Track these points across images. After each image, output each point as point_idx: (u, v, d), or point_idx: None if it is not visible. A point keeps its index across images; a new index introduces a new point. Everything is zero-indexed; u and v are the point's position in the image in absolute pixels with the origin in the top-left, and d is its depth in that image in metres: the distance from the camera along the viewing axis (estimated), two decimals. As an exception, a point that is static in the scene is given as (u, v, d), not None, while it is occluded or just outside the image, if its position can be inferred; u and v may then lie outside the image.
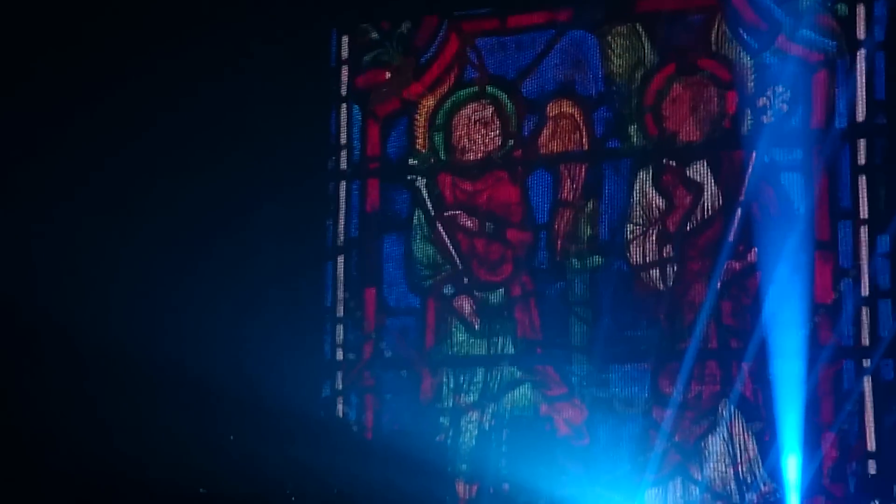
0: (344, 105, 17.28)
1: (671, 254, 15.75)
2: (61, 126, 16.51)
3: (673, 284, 15.69)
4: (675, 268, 15.72)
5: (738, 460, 15.16)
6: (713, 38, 15.85)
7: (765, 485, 14.97)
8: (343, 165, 17.23)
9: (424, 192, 16.82)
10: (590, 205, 16.17)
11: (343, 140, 17.24)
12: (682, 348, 15.38)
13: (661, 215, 15.84)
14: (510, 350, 16.31)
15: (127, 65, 16.63)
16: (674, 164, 15.88)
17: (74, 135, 16.45)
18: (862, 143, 15.18)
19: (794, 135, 15.36)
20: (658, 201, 15.91)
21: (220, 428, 15.69)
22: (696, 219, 15.72)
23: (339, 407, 16.55)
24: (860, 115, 15.21)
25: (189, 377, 15.57)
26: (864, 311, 14.90)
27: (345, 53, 17.39)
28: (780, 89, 15.41)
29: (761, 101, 15.52)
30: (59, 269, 16.04)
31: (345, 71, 17.34)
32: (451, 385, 16.46)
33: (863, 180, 15.14)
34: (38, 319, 15.54)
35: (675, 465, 15.39)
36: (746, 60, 15.68)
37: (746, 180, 15.40)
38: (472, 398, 16.37)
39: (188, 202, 16.29)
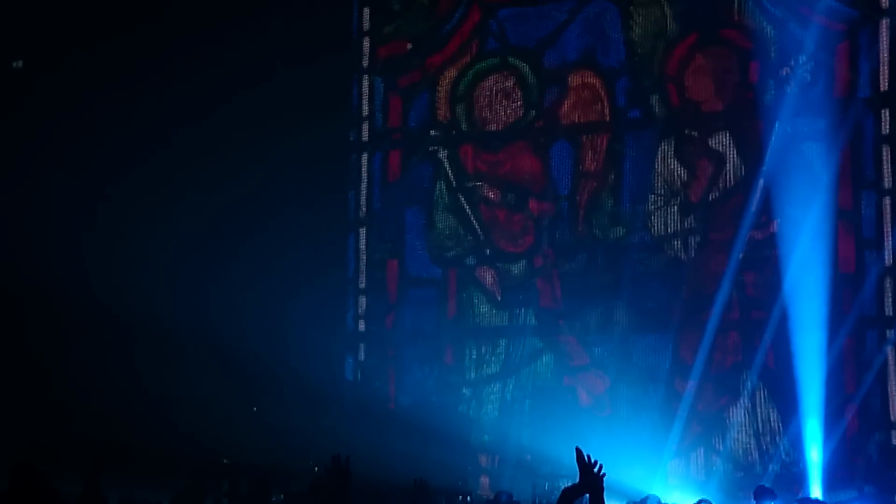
0: (366, 76, 17.27)
1: (693, 224, 15.72)
2: (109, 119, 16.72)
3: (695, 255, 15.66)
4: (698, 238, 15.68)
5: (761, 430, 15.15)
6: (736, 8, 15.77)
7: (787, 455, 14.96)
8: (365, 137, 17.23)
9: (446, 164, 16.81)
10: (612, 175, 16.15)
11: (365, 111, 17.24)
12: (704, 319, 15.35)
13: (684, 186, 15.80)
14: (532, 321, 16.32)
15: (158, 54, 16.75)
16: (696, 134, 15.83)
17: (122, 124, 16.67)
18: (885, 112, 15.11)
19: (817, 104, 15.28)
20: (680, 172, 15.86)
21: (244, 399, 15.79)
22: (719, 189, 15.67)
23: (361, 377, 16.63)
24: (883, 85, 15.14)
25: (211, 348, 15.67)
26: (888, 281, 14.86)
27: (366, 25, 17.38)
28: (802, 59, 15.33)
29: (784, 71, 15.46)
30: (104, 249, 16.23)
31: (366, 42, 17.33)
32: (474, 356, 16.49)
33: (886, 150, 15.09)
34: (88, 299, 15.78)
35: (697, 435, 15.39)
36: (769, 30, 15.60)
37: (769, 150, 15.35)
38: (494, 369, 16.39)
39: (211, 177, 16.34)
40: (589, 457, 6.76)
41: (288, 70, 16.52)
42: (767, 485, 11.98)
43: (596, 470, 6.68)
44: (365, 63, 17.24)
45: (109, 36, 16.83)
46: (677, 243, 15.77)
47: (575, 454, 6.77)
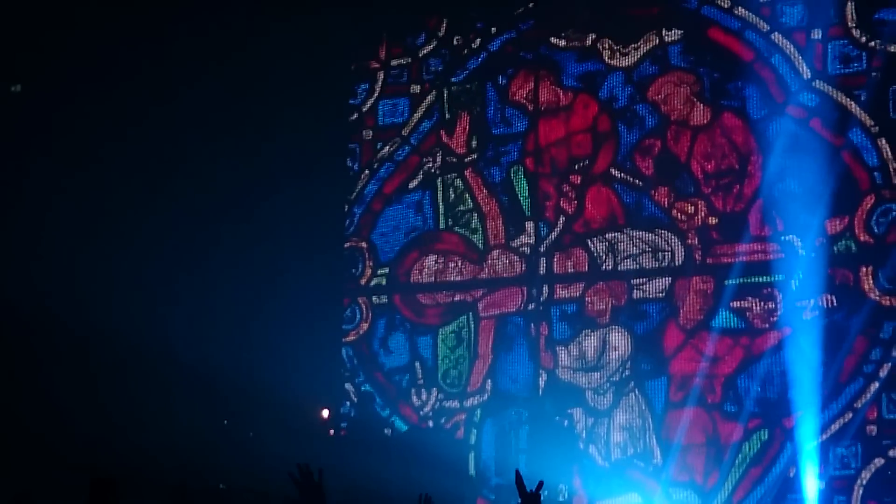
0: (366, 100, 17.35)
1: (691, 250, 15.71)
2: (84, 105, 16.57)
3: (693, 281, 15.65)
4: (696, 264, 15.67)
5: (759, 457, 15.11)
6: (733, 37, 15.88)
7: (784, 482, 14.92)
8: (364, 162, 17.22)
9: (445, 190, 16.84)
10: (610, 202, 16.17)
11: (365, 136, 17.25)
12: (701, 346, 15.36)
13: (681, 212, 15.81)
14: (529, 347, 16.27)
15: (155, 48, 16.67)
16: (694, 162, 15.86)
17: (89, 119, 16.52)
18: (882, 141, 15.17)
19: (815, 134, 15.35)
20: (679, 198, 15.86)
21: (240, 425, 15.73)
22: (717, 215, 15.67)
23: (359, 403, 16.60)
24: (882, 115, 15.21)
25: (208, 374, 15.61)
26: (886, 301, 14.88)
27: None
28: (797, 87, 15.45)
29: (781, 99, 15.55)
30: (64, 265, 16.03)
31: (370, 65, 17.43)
32: (471, 382, 16.42)
33: (884, 178, 15.14)
34: (46, 317, 15.60)
35: (695, 462, 15.33)
36: (767, 60, 15.69)
37: (766, 177, 15.42)
38: (491, 395, 16.32)
39: (208, 192, 16.30)
40: (522, 480, 7.13)
41: (287, 91, 16.56)
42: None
43: (533, 489, 6.89)
44: (366, 85, 17.30)
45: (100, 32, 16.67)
46: (675, 269, 15.77)
47: (515, 476, 7.28)
